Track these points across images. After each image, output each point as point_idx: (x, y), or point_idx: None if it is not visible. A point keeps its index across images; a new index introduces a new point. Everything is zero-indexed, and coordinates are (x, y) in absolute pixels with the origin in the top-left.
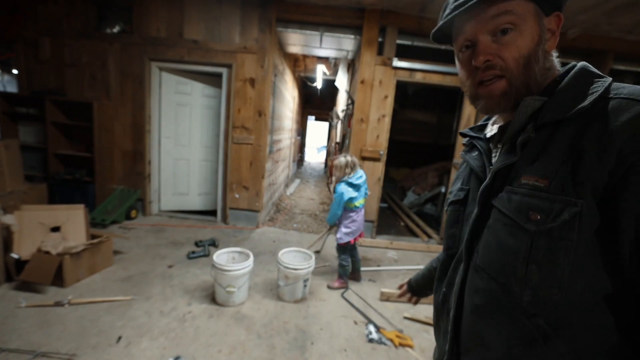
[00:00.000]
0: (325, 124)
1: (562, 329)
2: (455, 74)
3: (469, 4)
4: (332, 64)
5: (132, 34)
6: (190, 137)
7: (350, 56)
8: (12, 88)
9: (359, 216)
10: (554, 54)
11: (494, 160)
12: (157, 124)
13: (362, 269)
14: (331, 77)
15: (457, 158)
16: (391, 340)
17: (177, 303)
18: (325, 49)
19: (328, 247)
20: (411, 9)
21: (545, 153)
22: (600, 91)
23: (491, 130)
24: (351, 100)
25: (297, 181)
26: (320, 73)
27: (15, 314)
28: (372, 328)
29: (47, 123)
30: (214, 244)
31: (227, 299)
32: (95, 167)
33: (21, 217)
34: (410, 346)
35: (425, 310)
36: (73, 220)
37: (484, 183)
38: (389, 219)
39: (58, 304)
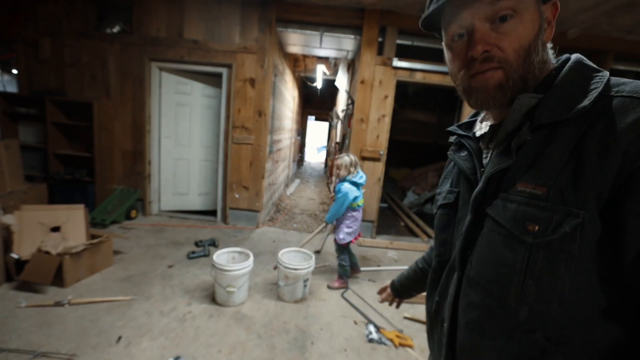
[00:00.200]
0: (325, 124)
1: (562, 345)
2: None
3: None
4: (332, 64)
5: (132, 34)
6: (190, 137)
7: (350, 56)
8: (12, 88)
9: (359, 215)
10: (549, 45)
11: (485, 161)
12: (157, 124)
13: (362, 269)
14: (331, 77)
15: None
16: (391, 340)
17: (177, 303)
18: (325, 49)
19: (328, 247)
20: (411, 9)
21: (543, 157)
22: (601, 88)
23: (480, 128)
24: (351, 100)
25: (297, 181)
26: (320, 73)
27: (15, 314)
28: (372, 328)
29: (47, 123)
30: (214, 244)
31: (227, 299)
32: (95, 167)
33: (21, 217)
34: (410, 346)
35: None
36: (73, 220)
37: (477, 189)
38: (389, 219)
39: (58, 304)
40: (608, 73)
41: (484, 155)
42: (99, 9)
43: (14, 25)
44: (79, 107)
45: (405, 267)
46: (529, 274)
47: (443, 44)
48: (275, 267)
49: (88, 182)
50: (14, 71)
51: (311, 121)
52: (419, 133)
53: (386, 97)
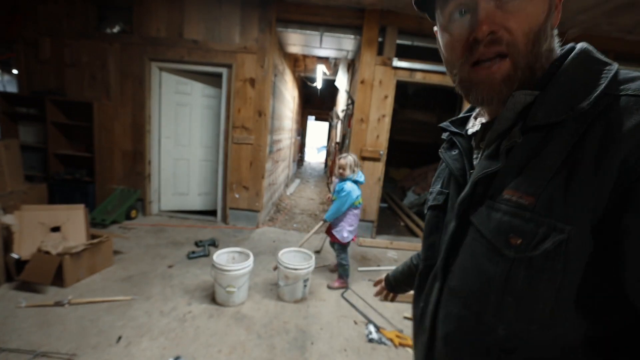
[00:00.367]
0: (325, 124)
1: None
2: None
3: None
4: (332, 64)
5: (132, 34)
6: (190, 137)
7: (350, 56)
8: (12, 88)
9: (359, 213)
10: (555, 32)
11: (475, 162)
12: (157, 124)
13: (362, 268)
14: (331, 77)
15: None
16: (391, 340)
17: (177, 303)
18: (325, 49)
19: (328, 247)
20: (411, 9)
21: (535, 162)
22: (604, 85)
23: (473, 125)
24: (351, 100)
25: (297, 181)
26: (320, 73)
27: (15, 314)
28: (372, 328)
29: (47, 123)
30: (214, 244)
31: (227, 299)
32: (95, 167)
33: (21, 217)
34: (410, 346)
35: None
36: (73, 220)
37: (463, 193)
38: (389, 219)
39: (58, 304)
40: (616, 66)
41: (475, 156)
42: (99, 9)
43: (14, 25)
44: (79, 107)
45: None
46: (508, 291)
47: (437, 27)
48: (276, 268)
49: (88, 182)
50: (14, 71)
51: (311, 121)
52: (419, 133)
53: (386, 97)
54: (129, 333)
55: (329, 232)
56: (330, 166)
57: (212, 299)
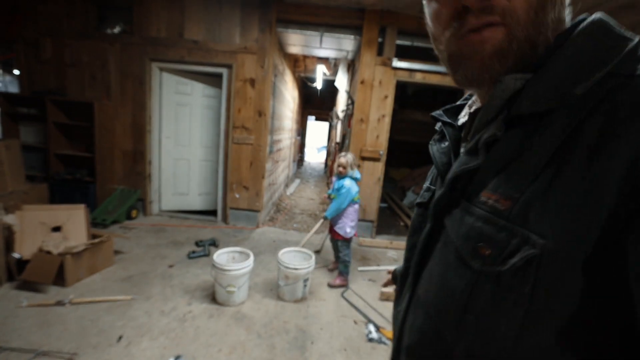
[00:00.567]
0: (325, 124)
1: None
2: None
3: None
4: (332, 64)
5: (133, 34)
6: (190, 137)
7: (350, 56)
8: (13, 88)
9: (358, 208)
10: (567, 1)
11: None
12: (158, 124)
13: (362, 268)
14: (331, 78)
15: None
16: (391, 340)
17: (177, 303)
18: (325, 49)
19: (328, 247)
20: (411, 9)
21: (519, 159)
22: (612, 64)
23: (465, 115)
24: (351, 101)
25: (297, 181)
26: (320, 73)
27: (16, 314)
28: (372, 327)
29: (47, 123)
30: (214, 244)
31: (227, 298)
32: (96, 167)
33: (22, 217)
34: None
35: None
36: (74, 220)
37: (440, 192)
38: (389, 219)
39: (59, 303)
40: (637, 40)
41: (462, 150)
42: (99, 9)
43: (14, 25)
44: (80, 107)
45: None
46: (469, 308)
47: None
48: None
49: (89, 182)
50: (15, 71)
51: (311, 121)
52: (419, 133)
53: (386, 97)
54: (129, 333)
55: (331, 230)
56: (330, 166)
57: (213, 298)
